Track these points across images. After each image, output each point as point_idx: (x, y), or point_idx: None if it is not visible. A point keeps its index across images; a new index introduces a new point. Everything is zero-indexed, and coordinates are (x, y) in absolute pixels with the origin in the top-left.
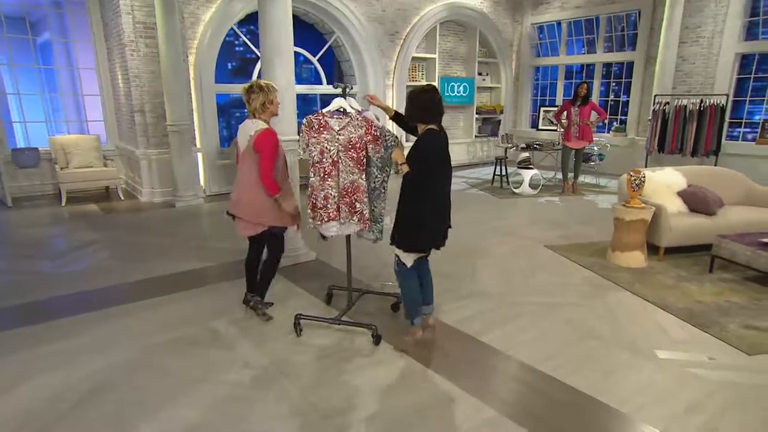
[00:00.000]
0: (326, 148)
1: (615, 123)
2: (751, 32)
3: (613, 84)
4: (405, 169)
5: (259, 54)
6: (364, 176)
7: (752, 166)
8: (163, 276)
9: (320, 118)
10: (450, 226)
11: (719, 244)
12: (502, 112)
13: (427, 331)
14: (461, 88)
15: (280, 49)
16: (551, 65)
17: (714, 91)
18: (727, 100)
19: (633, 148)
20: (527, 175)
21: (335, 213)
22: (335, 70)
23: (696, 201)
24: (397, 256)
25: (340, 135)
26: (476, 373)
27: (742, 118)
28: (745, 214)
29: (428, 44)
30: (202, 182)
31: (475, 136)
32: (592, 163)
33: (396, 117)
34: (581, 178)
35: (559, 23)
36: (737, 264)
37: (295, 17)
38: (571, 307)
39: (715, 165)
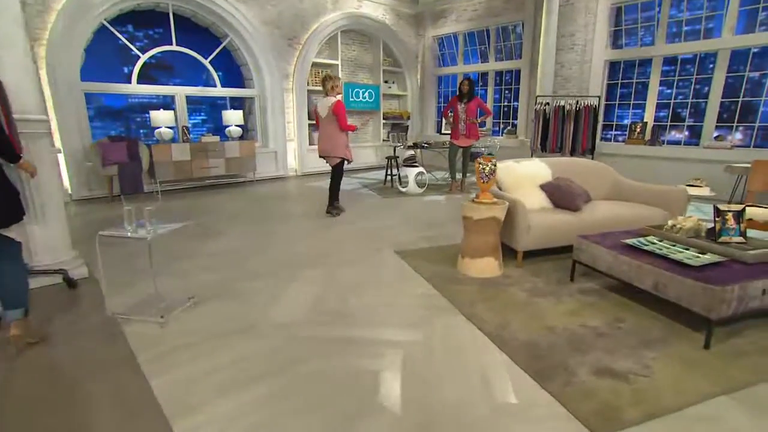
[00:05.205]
0: None
1: (508, 126)
2: (616, 42)
3: (506, 91)
4: None
5: (139, 53)
6: None
7: (623, 163)
8: None
9: None
10: None
11: (579, 246)
12: (409, 118)
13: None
14: (366, 94)
15: None
16: (452, 74)
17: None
18: (599, 101)
19: (522, 149)
20: (412, 173)
21: None
22: (239, 74)
23: (560, 195)
24: None
25: None
26: None
27: (613, 121)
28: (611, 209)
29: (331, 51)
30: (67, 186)
31: (383, 140)
32: None
33: None
34: (469, 177)
35: (456, 35)
36: (599, 271)
37: (186, 19)
38: (378, 348)
39: None
